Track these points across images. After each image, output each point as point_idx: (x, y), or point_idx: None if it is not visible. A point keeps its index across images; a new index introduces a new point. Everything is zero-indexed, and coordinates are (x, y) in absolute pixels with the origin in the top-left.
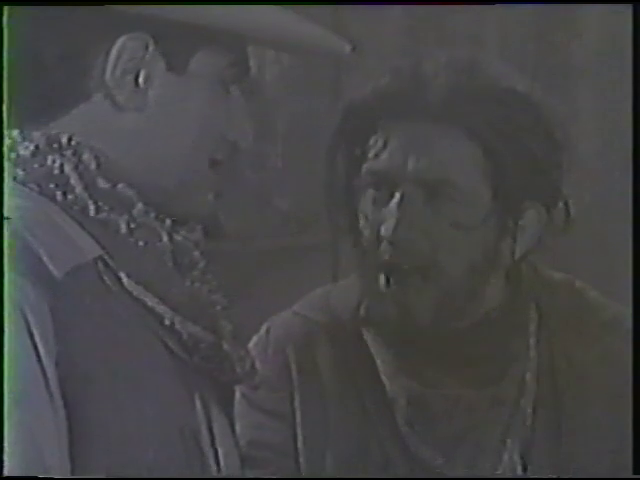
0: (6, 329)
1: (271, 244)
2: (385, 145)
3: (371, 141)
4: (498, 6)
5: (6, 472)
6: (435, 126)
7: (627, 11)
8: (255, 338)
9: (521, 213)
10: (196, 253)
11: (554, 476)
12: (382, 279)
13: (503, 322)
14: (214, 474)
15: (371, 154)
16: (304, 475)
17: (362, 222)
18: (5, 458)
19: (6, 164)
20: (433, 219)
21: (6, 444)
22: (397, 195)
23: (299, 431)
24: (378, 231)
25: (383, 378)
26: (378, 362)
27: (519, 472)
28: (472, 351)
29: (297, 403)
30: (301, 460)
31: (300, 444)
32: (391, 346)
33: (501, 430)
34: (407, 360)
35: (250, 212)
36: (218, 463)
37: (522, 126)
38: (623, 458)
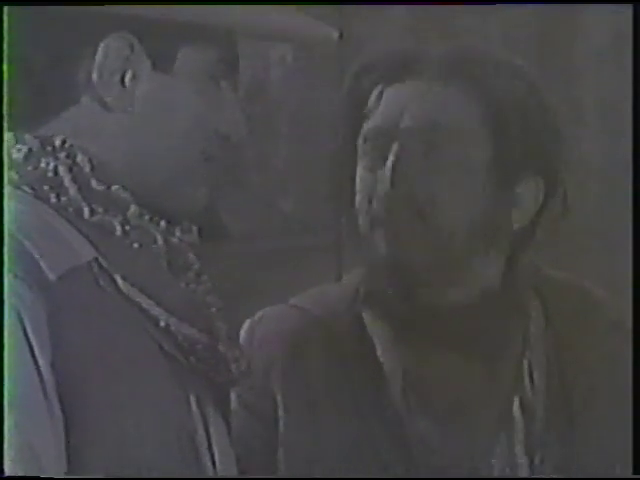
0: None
1: (274, 245)
2: (379, 100)
3: (368, 105)
4: (500, 6)
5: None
6: (433, 82)
7: (627, 11)
8: (247, 323)
9: (519, 181)
10: (191, 255)
11: (555, 476)
12: (379, 235)
13: (503, 304)
14: (210, 475)
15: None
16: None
17: (358, 197)
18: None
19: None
20: (432, 169)
21: (4, 445)
22: (394, 147)
23: (281, 426)
24: (373, 191)
25: (380, 358)
26: (377, 349)
27: (519, 461)
28: (471, 331)
29: (280, 397)
30: (280, 456)
31: (281, 437)
32: (390, 327)
33: (497, 419)
34: (407, 345)
35: (253, 213)
36: (214, 464)
37: (521, 97)
38: (623, 458)
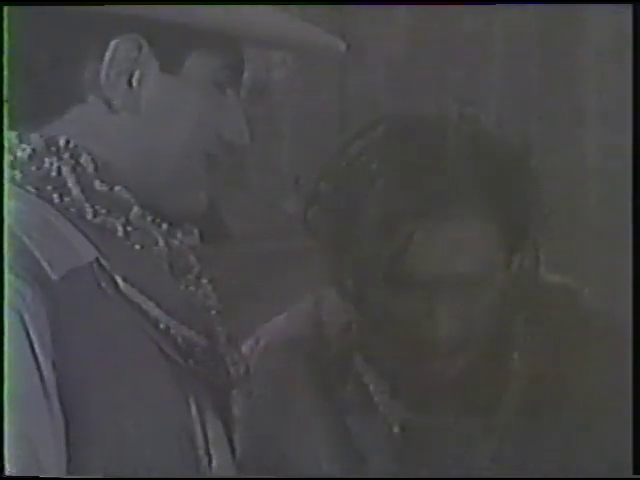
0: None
1: (275, 246)
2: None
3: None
4: (501, 7)
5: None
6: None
7: (627, 11)
8: (244, 346)
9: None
10: (192, 257)
11: (555, 476)
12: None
13: (498, 344)
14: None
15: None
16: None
17: None
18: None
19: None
20: None
21: (4, 445)
22: None
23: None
24: None
25: (374, 400)
26: (370, 386)
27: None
28: (466, 374)
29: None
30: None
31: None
32: (382, 369)
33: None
34: (395, 384)
35: (255, 214)
36: (211, 467)
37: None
38: (623, 458)
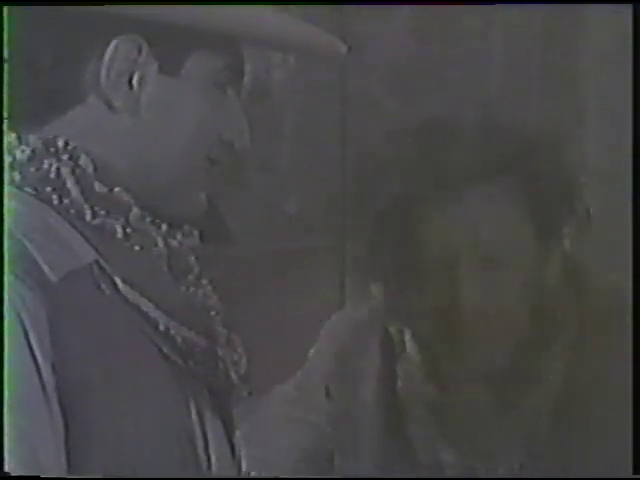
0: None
1: (276, 246)
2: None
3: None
4: (502, 7)
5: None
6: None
7: (627, 11)
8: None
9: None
10: (191, 258)
11: (554, 476)
12: None
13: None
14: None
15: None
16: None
17: None
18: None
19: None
20: None
21: (4, 445)
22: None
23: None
24: None
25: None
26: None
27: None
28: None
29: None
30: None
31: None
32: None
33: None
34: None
35: (255, 215)
36: (210, 467)
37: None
38: (623, 458)
